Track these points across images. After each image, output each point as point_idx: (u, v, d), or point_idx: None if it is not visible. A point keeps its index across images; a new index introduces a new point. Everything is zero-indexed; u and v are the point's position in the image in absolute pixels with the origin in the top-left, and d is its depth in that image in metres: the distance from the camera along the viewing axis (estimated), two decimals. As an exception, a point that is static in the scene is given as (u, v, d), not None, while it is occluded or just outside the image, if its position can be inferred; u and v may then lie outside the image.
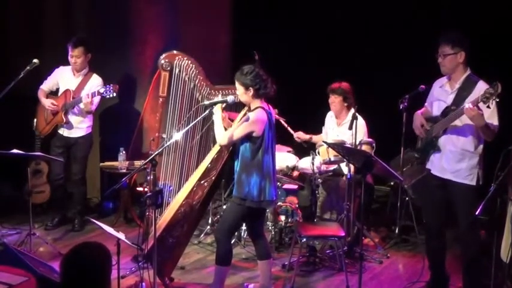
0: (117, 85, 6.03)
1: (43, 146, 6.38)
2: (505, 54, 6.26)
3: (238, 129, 4.60)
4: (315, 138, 6.42)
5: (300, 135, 6.45)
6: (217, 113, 4.75)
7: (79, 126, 6.34)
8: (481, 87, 4.55)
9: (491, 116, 4.53)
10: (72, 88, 6.24)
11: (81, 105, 6.17)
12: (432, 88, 5.01)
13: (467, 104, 4.43)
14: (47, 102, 6.27)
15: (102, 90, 6.02)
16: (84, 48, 6.20)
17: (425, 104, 5.07)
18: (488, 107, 4.38)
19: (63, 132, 6.33)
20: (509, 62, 6.08)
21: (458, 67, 4.70)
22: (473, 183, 4.68)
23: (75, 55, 6.19)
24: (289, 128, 6.35)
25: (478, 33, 5.70)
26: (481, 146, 4.70)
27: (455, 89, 4.74)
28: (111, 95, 6.04)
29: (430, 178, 4.91)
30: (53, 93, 6.43)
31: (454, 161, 4.72)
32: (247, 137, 4.59)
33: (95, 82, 6.23)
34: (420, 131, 4.95)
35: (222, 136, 4.66)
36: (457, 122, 4.64)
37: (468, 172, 4.69)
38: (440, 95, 4.87)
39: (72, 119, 6.29)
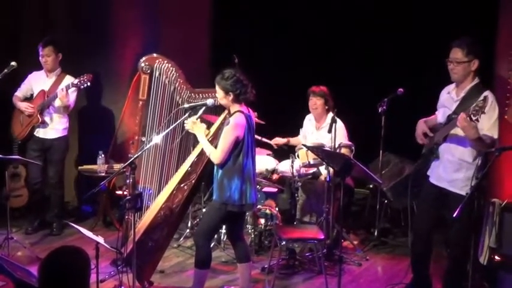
0: (90, 74, 6.02)
1: (21, 150, 6.33)
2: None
3: (224, 140, 4.57)
4: (293, 140, 6.44)
5: (276, 141, 6.46)
6: (198, 133, 4.73)
7: (55, 127, 6.30)
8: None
9: (491, 128, 4.45)
10: (46, 88, 6.22)
11: (57, 103, 6.14)
12: (441, 94, 4.89)
13: (461, 114, 4.33)
14: (23, 105, 6.24)
15: (76, 81, 6.01)
16: (54, 47, 6.20)
17: (436, 111, 4.95)
18: (477, 120, 4.26)
19: (39, 133, 6.29)
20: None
21: (469, 76, 4.59)
22: (468, 193, 4.53)
23: (45, 54, 6.19)
24: (264, 139, 6.37)
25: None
26: (480, 158, 4.57)
27: (460, 97, 4.64)
28: (85, 85, 6.03)
29: (428, 185, 4.86)
30: (29, 100, 6.36)
31: (451, 170, 4.65)
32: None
33: (68, 82, 6.20)
34: (421, 138, 4.87)
35: (213, 156, 4.62)
36: (458, 131, 4.52)
37: (464, 183, 4.58)
38: (447, 101, 4.77)
39: (48, 118, 6.25)
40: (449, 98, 4.76)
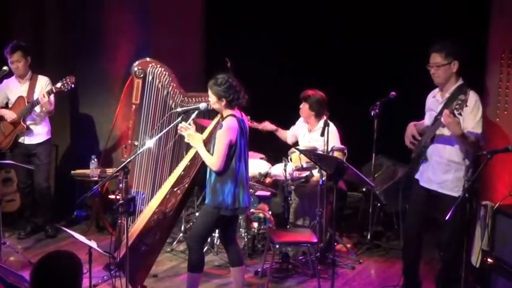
0: (73, 76, 5.97)
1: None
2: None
3: (219, 146, 4.55)
4: (280, 132, 6.44)
5: (265, 126, 6.43)
6: (197, 145, 4.70)
7: (39, 132, 6.26)
8: (470, 97, 4.46)
9: (476, 126, 4.51)
10: (24, 95, 6.17)
11: (37, 109, 6.11)
12: (427, 98, 4.94)
13: (444, 111, 4.40)
14: (8, 114, 6.16)
15: (59, 85, 5.96)
16: (23, 52, 6.11)
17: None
18: (460, 114, 4.33)
19: (24, 140, 6.23)
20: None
21: (452, 77, 4.66)
22: (459, 194, 4.58)
23: (15, 60, 6.10)
24: (254, 124, 6.32)
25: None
26: (469, 157, 4.64)
27: (444, 98, 4.70)
28: (69, 87, 5.98)
29: (418, 188, 4.88)
30: (4, 108, 6.30)
31: (441, 172, 4.69)
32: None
33: (43, 82, 6.18)
34: (410, 140, 4.91)
35: (211, 163, 4.60)
36: (445, 131, 4.58)
37: (454, 184, 4.63)
38: (432, 104, 4.83)
39: (31, 124, 6.21)
40: (434, 101, 4.82)
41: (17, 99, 6.19)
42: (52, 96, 6.10)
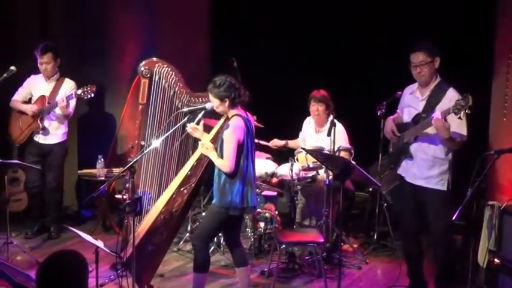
0: (94, 85, 6.00)
1: (19, 154, 6.31)
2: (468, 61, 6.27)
3: (227, 147, 4.54)
4: (291, 143, 6.44)
5: (275, 143, 6.47)
6: (210, 153, 4.68)
7: (55, 133, 6.30)
8: (451, 95, 4.62)
9: (461, 126, 4.58)
10: (47, 94, 6.21)
11: (57, 110, 6.14)
12: (403, 94, 5.06)
13: (436, 114, 4.48)
14: (27, 107, 6.23)
15: (79, 92, 6.00)
16: (53, 54, 6.17)
17: (398, 110, 5.12)
18: (459, 118, 4.42)
19: (39, 139, 6.28)
20: (476, 68, 6.09)
21: (434, 74, 4.76)
22: (444, 188, 4.75)
23: (45, 61, 6.16)
24: (261, 142, 6.37)
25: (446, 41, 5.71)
26: (451, 153, 4.75)
27: (425, 96, 4.78)
28: (89, 96, 6.02)
29: (405, 184, 4.96)
30: (26, 103, 6.34)
31: (426, 168, 4.77)
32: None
33: (69, 86, 6.22)
34: (391, 135, 5.04)
35: (222, 165, 4.58)
36: (429, 130, 4.67)
37: (439, 178, 4.75)
38: (411, 101, 4.91)
39: (48, 124, 6.25)
40: (413, 98, 4.90)
41: (39, 98, 6.24)
42: (73, 101, 6.14)
